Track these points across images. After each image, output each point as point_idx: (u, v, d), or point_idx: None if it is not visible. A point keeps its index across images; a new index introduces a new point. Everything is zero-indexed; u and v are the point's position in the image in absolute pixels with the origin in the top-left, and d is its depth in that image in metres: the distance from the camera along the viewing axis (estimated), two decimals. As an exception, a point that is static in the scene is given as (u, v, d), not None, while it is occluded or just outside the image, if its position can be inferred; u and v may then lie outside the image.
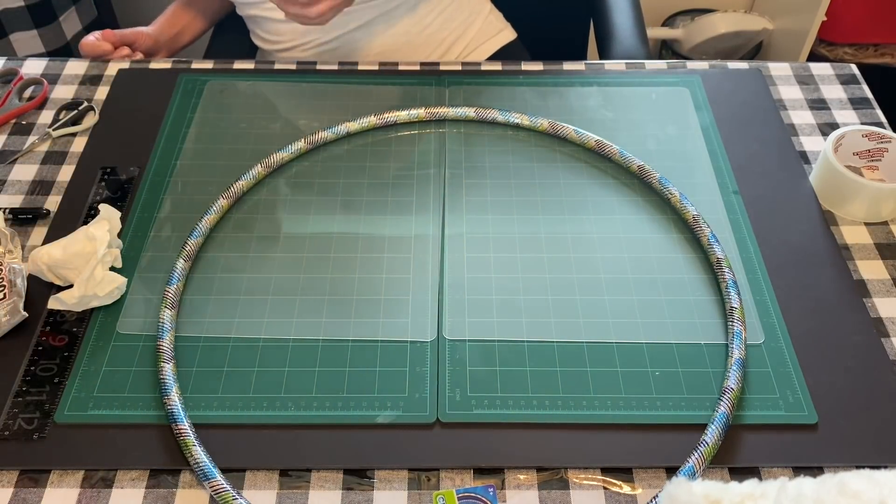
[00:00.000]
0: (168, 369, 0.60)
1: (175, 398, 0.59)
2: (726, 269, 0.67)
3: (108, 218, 0.67)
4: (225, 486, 0.54)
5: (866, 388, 0.61)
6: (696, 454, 0.55)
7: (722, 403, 0.58)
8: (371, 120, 0.82)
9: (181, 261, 0.68)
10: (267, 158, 0.77)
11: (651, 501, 0.54)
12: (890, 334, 0.65)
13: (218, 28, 1.25)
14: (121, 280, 0.66)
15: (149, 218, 0.74)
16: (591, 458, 0.57)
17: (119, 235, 0.71)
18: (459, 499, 0.54)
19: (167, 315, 0.64)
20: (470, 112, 0.83)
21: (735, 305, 0.64)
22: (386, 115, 0.82)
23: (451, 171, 0.79)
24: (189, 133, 0.82)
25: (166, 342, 0.62)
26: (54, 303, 0.64)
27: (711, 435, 0.56)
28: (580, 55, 1.25)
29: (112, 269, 0.68)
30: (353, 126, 0.81)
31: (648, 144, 0.81)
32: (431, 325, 0.65)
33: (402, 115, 0.82)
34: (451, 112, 0.83)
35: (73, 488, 0.56)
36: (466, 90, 0.87)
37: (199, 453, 0.56)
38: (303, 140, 0.79)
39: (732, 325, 0.63)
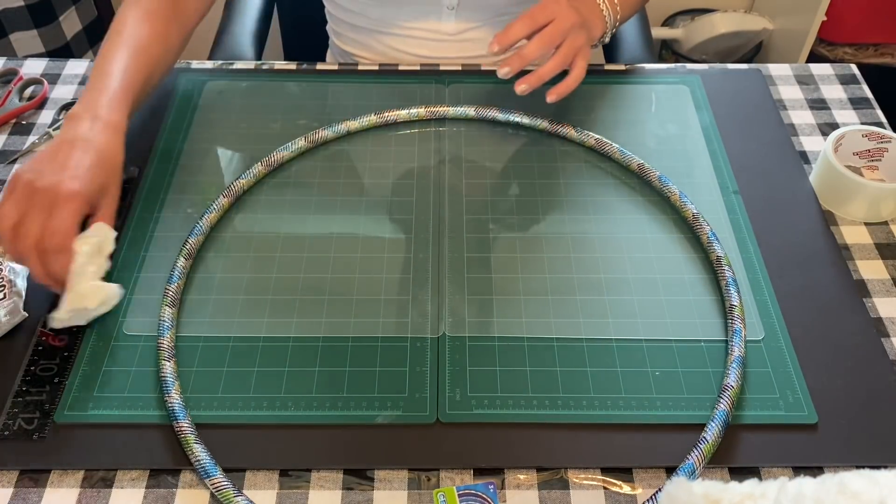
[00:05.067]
0: (169, 367, 0.60)
1: (176, 396, 0.59)
2: (726, 268, 0.67)
3: (100, 237, 0.64)
4: (226, 483, 0.54)
5: (866, 388, 0.61)
6: (695, 452, 0.55)
7: (722, 401, 0.58)
8: (371, 119, 0.82)
9: (181, 259, 0.68)
10: (267, 157, 0.77)
11: (649, 501, 0.54)
12: (890, 334, 0.65)
13: (223, 28, 1.25)
14: (110, 288, 0.64)
15: (149, 218, 0.74)
16: (591, 457, 0.57)
17: (117, 241, 0.67)
18: (460, 496, 0.54)
19: (168, 313, 0.64)
20: (470, 111, 0.83)
21: (735, 303, 0.64)
22: (386, 114, 0.82)
23: (451, 170, 0.79)
24: (189, 133, 0.82)
25: (167, 340, 0.62)
26: (55, 322, 0.62)
27: (711, 432, 0.56)
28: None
29: (110, 273, 0.67)
30: (353, 125, 0.81)
31: (648, 143, 0.81)
32: (431, 325, 0.65)
33: (403, 113, 0.82)
34: (451, 111, 0.83)
35: (73, 488, 0.56)
36: (466, 89, 0.87)
37: (200, 451, 0.56)
38: (303, 138, 0.79)
39: (732, 324, 0.63)
